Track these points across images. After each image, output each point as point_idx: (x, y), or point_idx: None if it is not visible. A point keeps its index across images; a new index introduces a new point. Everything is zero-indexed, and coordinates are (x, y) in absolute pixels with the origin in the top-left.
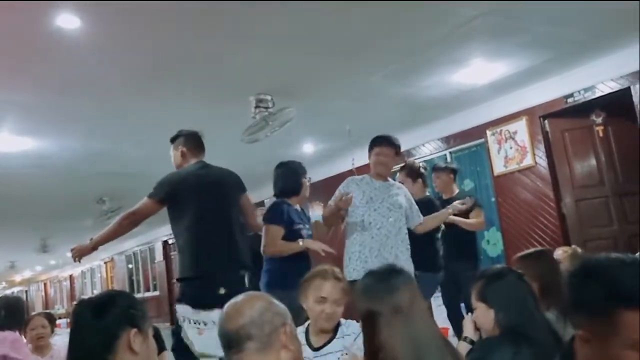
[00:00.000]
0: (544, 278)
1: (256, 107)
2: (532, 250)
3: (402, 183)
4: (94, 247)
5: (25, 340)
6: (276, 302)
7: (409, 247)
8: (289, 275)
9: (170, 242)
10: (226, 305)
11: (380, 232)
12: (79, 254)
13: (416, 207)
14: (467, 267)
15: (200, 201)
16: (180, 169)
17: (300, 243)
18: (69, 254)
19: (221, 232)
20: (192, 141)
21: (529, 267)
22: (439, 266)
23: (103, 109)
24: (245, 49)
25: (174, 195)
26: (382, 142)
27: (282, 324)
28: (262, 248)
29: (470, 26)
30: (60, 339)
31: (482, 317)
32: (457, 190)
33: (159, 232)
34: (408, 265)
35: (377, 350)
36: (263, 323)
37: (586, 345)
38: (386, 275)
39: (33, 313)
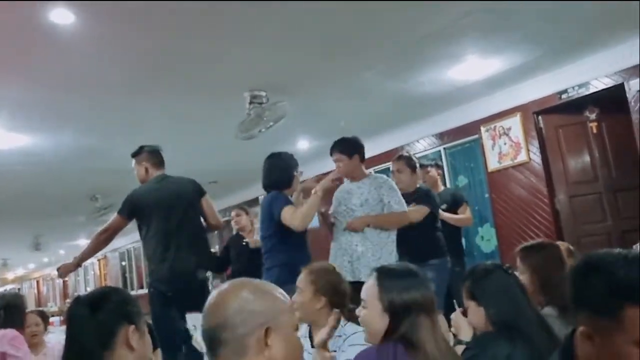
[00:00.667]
0: (544, 271)
1: (250, 103)
2: (535, 241)
3: (400, 172)
4: (78, 264)
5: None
6: (267, 293)
7: (382, 243)
8: (299, 269)
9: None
10: (209, 297)
11: (345, 232)
12: (65, 272)
13: (396, 198)
14: (454, 263)
15: (160, 213)
16: (143, 185)
17: (317, 189)
18: (62, 252)
19: (180, 238)
20: (154, 157)
21: (529, 258)
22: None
23: (96, 106)
24: (240, 46)
25: (137, 211)
26: (333, 149)
27: (260, 325)
28: (296, 228)
29: (463, 23)
30: (54, 337)
31: (473, 316)
32: (442, 187)
33: None
34: (375, 263)
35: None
36: (236, 324)
37: (588, 341)
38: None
39: (26, 311)
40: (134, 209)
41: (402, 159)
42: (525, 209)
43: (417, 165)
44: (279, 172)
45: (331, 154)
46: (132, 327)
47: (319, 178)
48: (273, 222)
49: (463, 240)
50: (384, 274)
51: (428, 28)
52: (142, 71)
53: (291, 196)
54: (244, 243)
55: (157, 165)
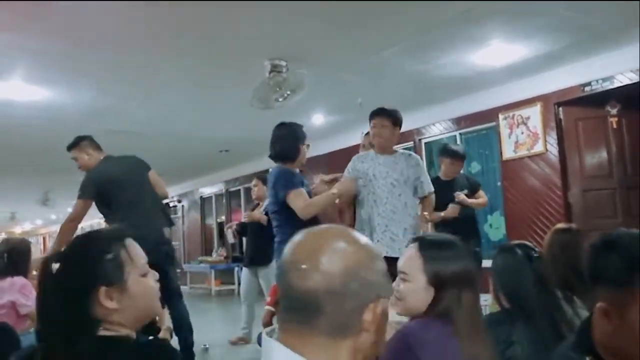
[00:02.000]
0: (564, 255)
1: (271, 72)
2: (566, 225)
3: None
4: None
5: None
6: (375, 257)
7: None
8: None
9: (171, 204)
10: (296, 242)
11: (386, 208)
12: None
13: (427, 177)
14: (475, 245)
15: (121, 188)
16: (95, 168)
17: (335, 191)
18: (70, 210)
19: (142, 207)
20: (94, 143)
21: (556, 241)
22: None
23: (115, 65)
24: (262, 12)
25: (100, 191)
26: (378, 113)
27: (370, 301)
28: (300, 212)
29: (491, 4)
30: None
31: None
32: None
33: None
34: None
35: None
36: (346, 295)
37: (606, 318)
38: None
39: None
40: (97, 190)
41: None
42: (537, 199)
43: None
44: (285, 143)
45: (373, 118)
46: (103, 288)
47: (334, 177)
48: (277, 199)
49: None
50: (426, 244)
51: (453, 8)
52: (162, 34)
53: (300, 171)
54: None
55: (99, 149)
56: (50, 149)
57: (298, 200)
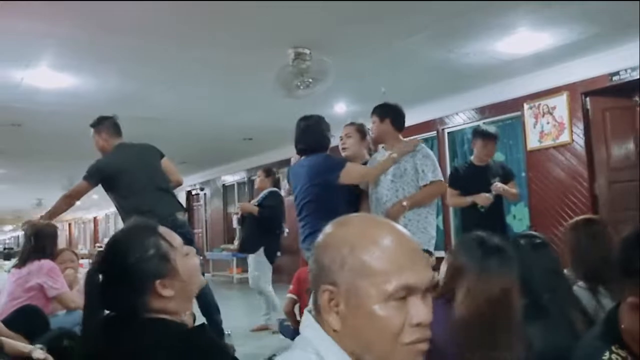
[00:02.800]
0: (582, 246)
1: (295, 59)
2: (585, 216)
3: (348, 137)
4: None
5: None
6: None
7: (422, 215)
8: None
9: (193, 192)
10: None
11: (386, 206)
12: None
13: (430, 167)
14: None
15: (132, 176)
16: (106, 156)
17: (395, 155)
18: (95, 196)
19: (152, 193)
20: (113, 127)
21: (567, 234)
22: None
23: (139, 51)
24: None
25: (107, 179)
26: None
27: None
28: (362, 179)
29: None
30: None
31: None
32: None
33: (184, 182)
34: (419, 236)
35: None
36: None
37: (635, 312)
38: None
39: (61, 248)
40: (102, 177)
41: (353, 125)
42: (562, 190)
43: (368, 133)
44: (316, 134)
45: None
46: (158, 281)
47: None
48: (316, 187)
49: None
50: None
51: None
52: (186, 21)
53: None
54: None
55: (116, 135)
56: (75, 136)
57: (357, 169)
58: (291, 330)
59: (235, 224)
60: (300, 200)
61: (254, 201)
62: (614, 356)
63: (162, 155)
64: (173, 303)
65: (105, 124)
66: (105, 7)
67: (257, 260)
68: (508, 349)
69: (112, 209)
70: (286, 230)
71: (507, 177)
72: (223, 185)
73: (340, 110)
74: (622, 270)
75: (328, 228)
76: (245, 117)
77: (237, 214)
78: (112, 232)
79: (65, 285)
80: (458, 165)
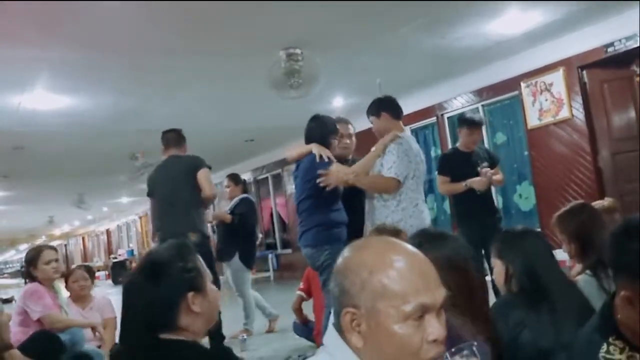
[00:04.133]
0: (583, 234)
1: (287, 61)
2: (572, 205)
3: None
4: None
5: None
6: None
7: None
8: (334, 228)
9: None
10: None
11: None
12: None
13: (389, 162)
14: (497, 221)
15: (158, 189)
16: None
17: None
18: (105, 209)
19: (172, 210)
20: (164, 140)
21: (564, 225)
22: None
23: (134, 67)
24: (274, 3)
25: (148, 189)
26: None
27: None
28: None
29: None
30: (100, 291)
31: (497, 274)
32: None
33: None
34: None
35: None
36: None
37: (629, 305)
38: None
39: (73, 266)
40: (148, 190)
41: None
42: (566, 166)
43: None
44: (316, 137)
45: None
46: (192, 293)
47: None
48: (308, 183)
49: (500, 199)
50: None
51: None
52: (176, 33)
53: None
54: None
55: (168, 147)
56: (80, 153)
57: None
58: (304, 329)
59: (210, 232)
60: (297, 199)
61: (226, 209)
62: (611, 348)
63: (197, 168)
64: (198, 322)
65: (163, 139)
66: (94, 27)
67: (234, 268)
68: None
69: (124, 219)
70: (260, 235)
71: (492, 163)
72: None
73: (337, 104)
74: (613, 264)
75: (347, 252)
76: (245, 119)
77: (210, 222)
78: (125, 243)
79: (50, 307)
80: (445, 152)
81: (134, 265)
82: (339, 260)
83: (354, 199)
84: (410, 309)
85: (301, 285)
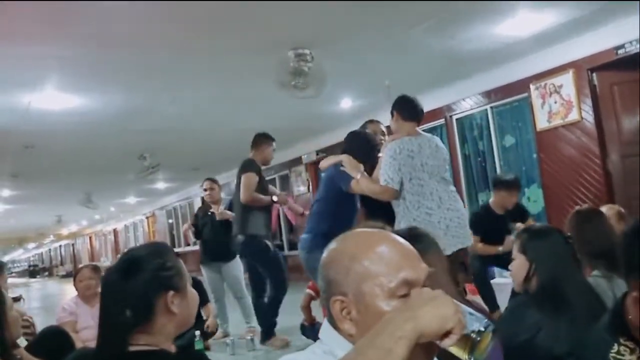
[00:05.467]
0: (596, 238)
1: (296, 61)
2: (589, 207)
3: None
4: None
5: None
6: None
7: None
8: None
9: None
10: None
11: None
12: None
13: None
14: None
15: None
16: None
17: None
18: (113, 209)
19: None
20: (253, 142)
21: (584, 224)
22: None
23: (143, 66)
24: (283, 2)
25: None
26: None
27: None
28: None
29: None
30: None
31: (517, 269)
32: None
33: (198, 189)
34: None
35: None
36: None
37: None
38: None
39: (80, 265)
40: None
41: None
42: (575, 169)
43: None
44: (354, 150)
45: None
46: (171, 292)
47: None
48: (324, 189)
49: None
50: None
51: None
52: (185, 31)
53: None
54: (209, 213)
55: (253, 148)
56: (88, 152)
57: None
58: (312, 330)
59: (191, 237)
60: (313, 201)
61: (221, 209)
62: (622, 348)
63: (242, 172)
64: (174, 323)
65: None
66: (102, 26)
67: (233, 268)
68: None
69: (131, 220)
70: None
71: (524, 219)
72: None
73: (346, 105)
74: (624, 265)
75: (329, 246)
76: (251, 120)
77: (194, 224)
78: (132, 242)
79: None
80: (477, 212)
81: None
82: (323, 255)
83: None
84: (394, 284)
85: (310, 283)
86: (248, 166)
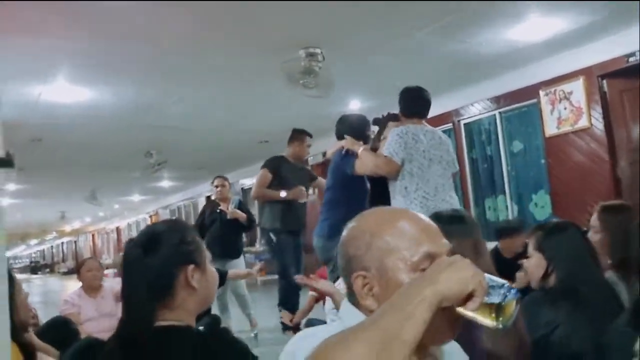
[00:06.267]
0: (618, 232)
1: (307, 60)
2: (616, 202)
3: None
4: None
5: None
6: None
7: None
8: None
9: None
10: None
11: None
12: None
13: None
14: None
15: None
16: None
17: None
18: (117, 206)
19: None
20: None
21: (608, 218)
22: None
23: (154, 61)
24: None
25: None
26: None
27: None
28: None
29: None
30: (109, 282)
31: (534, 267)
32: None
33: (202, 188)
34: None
35: None
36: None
37: None
38: None
39: (84, 258)
40: None
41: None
42: (583, 175)
43: None
44: (348, 132)
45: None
46: (192, 266)
47: None
48: (332, 176)
49: (515, 207)
50: None
51: None
52: (197, 29)
53: None
54: (218, 210)
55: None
56: (96, 147)
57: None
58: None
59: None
60: (324, 190)
61: (231, 208)
62: None
63: (261, 168)
64: (195, 299)
65: None
66: (116, 21)
67: (241, 266)
68: None
69: (134, 218)
70: None
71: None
72: (242, 188)
73: (354, 106)
74: None
75: (348, 225)
76: (260, 120)
77: (199, 222)
78: None
79: None
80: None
81: None
82: (343, 234)
83: (382, 197)
84: (417, 258)
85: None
86: (265, 163)
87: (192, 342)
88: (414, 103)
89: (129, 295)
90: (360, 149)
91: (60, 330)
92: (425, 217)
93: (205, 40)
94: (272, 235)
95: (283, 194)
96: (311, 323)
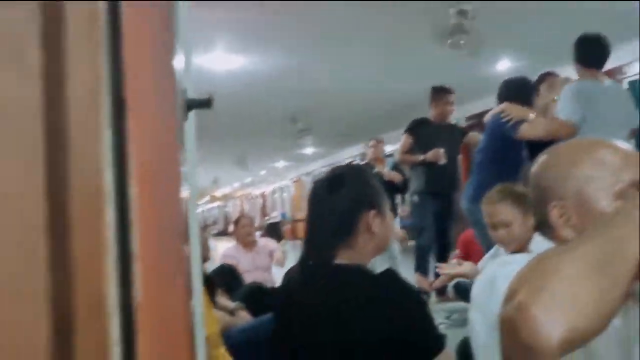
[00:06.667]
0: None
1: (457, 17)
2: None
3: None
4: None
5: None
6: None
7: None
8: None
9: (365, 160)
10: None
11: None
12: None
13: None
14: None
15: None
16: None
17: None
18: (263, 172)
19: None
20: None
21: None
22: None
23: (301, 25)
24: None
25: None
26: None
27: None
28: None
29: None
30: (263, 240)
31: None
32: None
33: (345, 153)
34: None
35: None
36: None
37: None
38: None
39: (238, 215)
40: None
41: None
42: None
43: None
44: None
45: None
46: (373, 212)
47: None
48: (486, 137)
49: None
50: None
51: None
52: None
53: None
54: (374, 172)
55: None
56: (245, 114)
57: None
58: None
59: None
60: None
61: (387, 170)
62: None
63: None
64: (373, 243)
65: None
66: None
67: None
68: None
69: (278, 184)
70: None
71: None
72: (385, 155)
73: (502, 67)
74: None
75: (539, 159)
76: (404, 82)
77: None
78: (278, 206)
79: None
80: None
81: (286, 227)
82: (533, 168)
83: None
84: (618, 187)
85: (457, 252)
86: (406, 127)
87: (370, 282)
88: (594, 52)
89: (312, 231)
90: (531, 115)
91: (227, 277)
92: (626, 145)
93: (351, 3)
94: (414, 198)
95: (421, 157)
96: (459, 284)
